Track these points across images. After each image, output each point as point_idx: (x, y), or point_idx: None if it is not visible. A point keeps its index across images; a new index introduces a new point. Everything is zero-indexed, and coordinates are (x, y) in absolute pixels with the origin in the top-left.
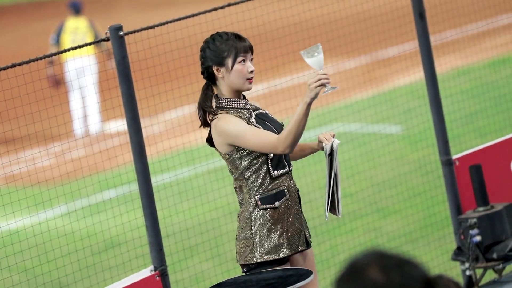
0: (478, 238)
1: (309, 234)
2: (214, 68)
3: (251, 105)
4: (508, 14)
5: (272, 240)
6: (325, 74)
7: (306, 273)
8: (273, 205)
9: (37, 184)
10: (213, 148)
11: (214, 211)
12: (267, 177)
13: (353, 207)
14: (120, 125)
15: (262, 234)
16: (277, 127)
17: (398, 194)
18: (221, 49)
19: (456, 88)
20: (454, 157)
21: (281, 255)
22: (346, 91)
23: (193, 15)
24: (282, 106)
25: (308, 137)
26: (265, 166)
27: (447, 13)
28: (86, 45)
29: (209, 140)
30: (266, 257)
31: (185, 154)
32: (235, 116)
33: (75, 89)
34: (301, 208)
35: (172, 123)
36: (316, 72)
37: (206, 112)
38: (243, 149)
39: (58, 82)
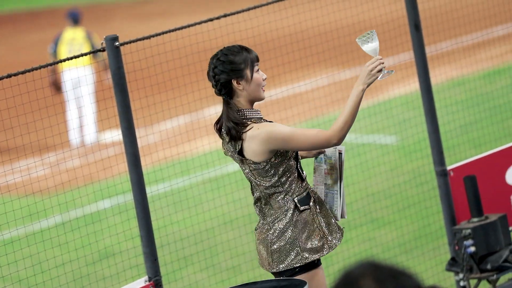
0: (472, 248)
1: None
2: (234, 82)
3: None
4: (503, 26)
5: (315, 239)
6: (382, 59)
7: (301, 284)
8: (308, 205)
9: (32, 194)
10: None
11: (209, 221)
12: (299, 179)
13: (347, 217)
14: (116, 135)
15: (306, 235)
16: None
17: (393, 204)
18: (238, 62)
19: (451, 99)
20: (449, 167)
21: (325, 252)
22: (341, 102)
23: (188, 26)
24: (278, 117)
25: None
26: (296, 169)
27: (442, 24)
28: (82, 55)
29: (239, 153)
30: (314, 256)
31: (180, 164)
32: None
33: (71, 99)
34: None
35: (167, 133)
36: (375, 58)
37: (237, 124)
38: (281, 153)
39: (58, 87)
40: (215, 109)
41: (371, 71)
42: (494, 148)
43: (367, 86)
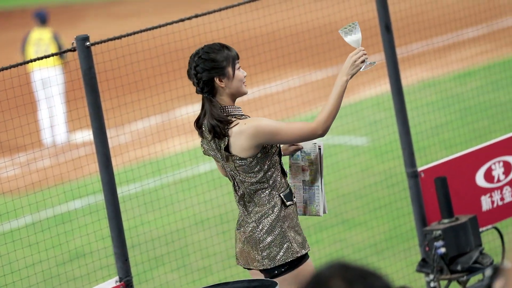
0: (442, 249)
1: None
2: (217, 80)
3: None
4: (474, 28)
5: (301, 234)
6: (364, 50)
7: (272, 284)
8: (292, 201)
9: (2, 194)
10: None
11: (180, 222)
12: (283, 174)
13: (318, 218)
14: (86, 135)
15: (294, 230)
16: None
17: (364, 205)
18: (219, 60)
19: (422, 100)
20: (419, 169)
21: (307, 248)
22: (313, 103)
23: (160, 26)
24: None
25: None
26: (279, 164)
27: (413, 25)
28: (52, 55)
29: (226, 149)
30: (303, 250)
31: (152, 164)
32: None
33: (42, 99)
34: None
35: (138, 133)
36: (358, 49)
37: (221, 122)
38: (266, 149)
39: None
40: (187, 109)
41: (355, 61)
42: (465, 150)
43: (351, 77)
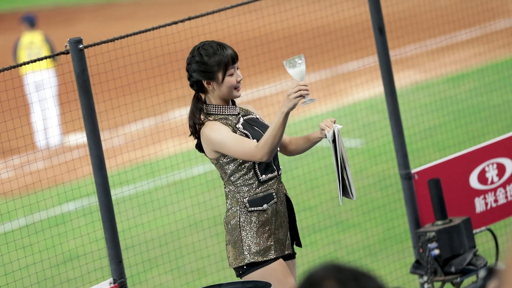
0: (436, 251)
1: (298, 240)
2: (205, 83)
3: (241, 109)
4: (467, 30)
5: (261, 242)
6: (305, 85)
7: (265, 286)
8: (261, 207)
9: None
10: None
11: (174, 224)
12: (255, 181)
13: (312, 220)
14: (80, 137)
15: (251, 236)
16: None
17: (358, 207)
18: (210, 64)
19: (416, 103)
20: (413, 171)
21: (270, 256)
22: (307, 105)
23: (153, 28)
24: None
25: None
26: (252, 170)
27: (406, 28)
28: (46, 57)
29: (198, 146)
30: (256, 258)
31: (145, 167)
32: (222, 123)
33: (35, 102)
34: (292, 211)
35: (132, 136)
36: (296, 83)
37: (194, 123)
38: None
39: None
40: (180, 111)
41: (289, 95)
42: (458, 152)
43: (289, 110)
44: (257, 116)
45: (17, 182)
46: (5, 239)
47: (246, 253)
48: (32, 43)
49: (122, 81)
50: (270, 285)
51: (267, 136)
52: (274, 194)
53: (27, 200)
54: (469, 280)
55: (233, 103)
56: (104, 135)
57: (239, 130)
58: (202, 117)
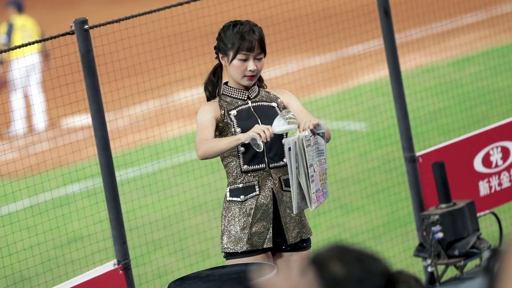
0: (440, 234)
1: (297, 235)
2: (220, 55)
3: (266, 94)
4: (472, 13)
5: (233, 233)
6: (268, 136)
7: (269, 268)
8: (238, 198)
9: (0, 177)
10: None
11: (178, 205)
12: (238, 170)
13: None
14: (85, 118)
15: (228, 225)
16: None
17: (362, 190)
18: (227, 40)
19: (421, 86)
20: (417, 154)
21: (239, 249)
22: (311, 88)
23: (158, 9)
24: None
25: None
26: (236, 158)
27: (412, 11)
28: (49, 38)
29: None
30: (228, 248)
31: (150, 148)
32: (214, 104)
33: (18, 88)
34: (285, 207)
35: (136, 117)
36: (268, 127)
37: (206, 96)
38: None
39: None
40: (185, 93)
41: (254, 128)
42: (462, 135)
43: (243, 141)
44: (273, 105)
45: (21, 163)
46: (9, 220)
47: (223, 241)
48: (24, 25)
49: (127, 62)
50: (274, 267)
51: (215, 143)
52: (256, 186)
53: (31, 181)
54: (472, 263)
55: (247, 88)
56: (108, 116)
57: (228, 117)
58: (211, 94)
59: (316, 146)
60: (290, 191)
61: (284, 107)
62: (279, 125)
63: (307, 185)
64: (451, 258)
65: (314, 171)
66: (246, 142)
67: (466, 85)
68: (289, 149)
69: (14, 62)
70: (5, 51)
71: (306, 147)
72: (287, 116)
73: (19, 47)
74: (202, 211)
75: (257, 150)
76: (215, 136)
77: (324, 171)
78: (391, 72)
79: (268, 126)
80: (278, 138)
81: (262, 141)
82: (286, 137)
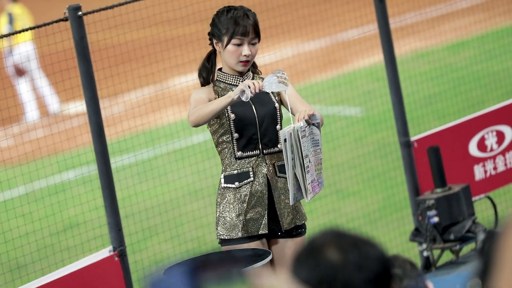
0: (435, 219)
1: (292, 221)
2: (214, 41)
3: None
4: None
5: (228, 219)
6: (257, 88)
7: (264, 254)
8: (233, 185)
9: None
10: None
11: (173, 192)
12: (233, 156)
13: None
14: (79, 105)
15: (223, 211)
16: (264, 112)
17: (357, 175)
18: (221, 26)
19: (416, 70)
20: (412, 138)
21: (234, 235)
22: (306, 73)
23: None
24: None
25: None
26: (230, 145)
27: None
28: (45, 24)
29: None
30: (223, 235)
31: (145, 135)
32: (208, 88)
33: (33, 70)
34: (279, 194)
35: (131, 104)
36: (259, 81)
37: (200, 82)
38: (212, 124)
39: (21, 72)
40: (180, 79)
41: (243, 82)
42: (457, 119)
43: (234, 98)
44: (268, 91)
45: (16, 150)
46: (4, 207)
47: (218, 228)
48: (21, 14)
49: (122, 48)
50: (269, 253)
51: (205, 108)
52: (250, 173)
53: (26, 168)
54: (468, 247)
55: (241, 74)
56: (103, 103)
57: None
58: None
59: (311, 137)
60: (285, 177)
61: (278, 93)
62: (270, 83)
63: (302, 176)
64: (446, 243)
65: (309, 161)
66: (236, 97)
67: (461, 69)
68: (285, 140)
69: (14, 51)
70: (17, 32)
71: (302, 138)
72: (279, 75)
73: (10, 34)
74: (197, 197)
75: (244, 100)
76: (210, 124)
77: (319, 161)
78: (386, 57)
79: (259, 81)
80: (272, 124)
81: (251, 92)
82: (277, 103)
